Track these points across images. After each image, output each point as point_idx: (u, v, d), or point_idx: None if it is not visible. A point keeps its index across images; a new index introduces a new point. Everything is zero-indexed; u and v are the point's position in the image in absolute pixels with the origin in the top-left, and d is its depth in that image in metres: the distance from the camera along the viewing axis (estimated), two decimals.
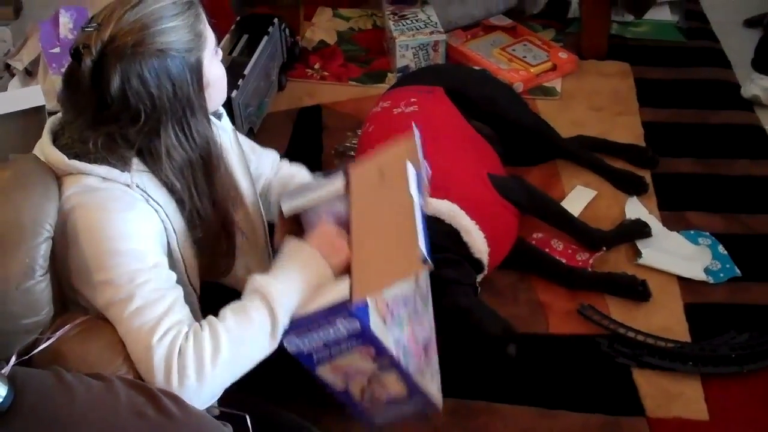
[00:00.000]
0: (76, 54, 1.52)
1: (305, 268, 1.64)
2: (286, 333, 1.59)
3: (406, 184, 1.68)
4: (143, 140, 1.57)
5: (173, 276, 1.64)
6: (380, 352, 1.60)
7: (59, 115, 1.66)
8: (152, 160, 1.60)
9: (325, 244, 1.69)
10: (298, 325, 1.59)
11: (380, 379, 1.67)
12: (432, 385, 1.80)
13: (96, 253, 1.55)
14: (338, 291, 1.58)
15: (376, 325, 1.58)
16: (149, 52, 1.52)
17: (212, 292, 1.82)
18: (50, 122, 1.66)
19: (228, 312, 1.58)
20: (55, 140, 1.61)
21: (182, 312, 1.57)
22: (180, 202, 1.65)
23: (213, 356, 1.51)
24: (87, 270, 1.56)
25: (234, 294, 1.67)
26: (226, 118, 1.94)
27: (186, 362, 1.49)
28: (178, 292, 1.60)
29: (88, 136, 1.55)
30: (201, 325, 1.55)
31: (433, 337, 1.90)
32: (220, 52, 1.73)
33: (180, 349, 1.50)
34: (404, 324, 1.72)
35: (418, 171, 1.74)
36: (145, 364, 1.50)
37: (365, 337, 1.57)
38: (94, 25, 1.52)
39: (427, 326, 1.88)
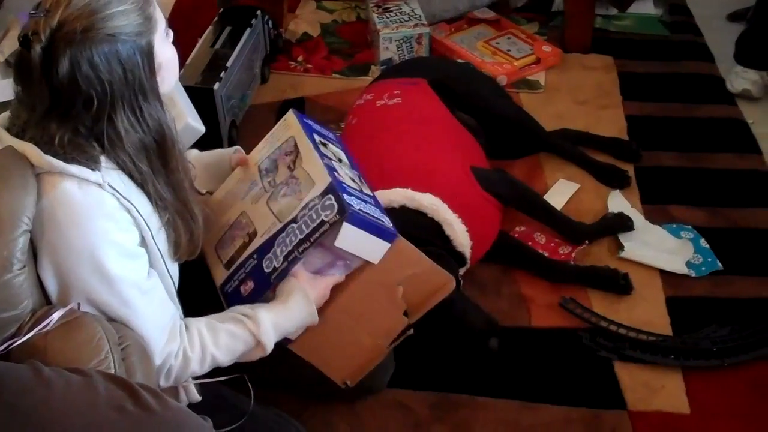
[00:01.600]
0: (25, 41, 1.50)
1: (299, 314, 1.82)
2: None
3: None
4: (98, 127, 1.56)
5: (158, 283, 1.71)
6: None
7: (7, 113, 1.64)
8: (110, 146, 1.59)
9: (319, 289, 1.84)
10: None
11: None
12: None
13: (87, 277, 1.58)
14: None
15: None
16: (99, 38, 1.50)
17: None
18: (1, 120, 1.63)
19: (223, 336, 1.76)
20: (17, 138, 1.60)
21: (172, 328, 1.72)
22: (143, 188, 1.65)
23: (195, 370, 1.76)
24: (76, 289, 1.60)
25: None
26: None
27: (171, 378, 1.74)
28: (166, 303, 1.74)
29: (53, 134, 1.54)
30: (192, 345, 1.73)
31: None
32: (171, 33, 1.71)
33: (168, 370, 1.72)
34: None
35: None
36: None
37: None
38: (42, 11, 1.50)
39: None
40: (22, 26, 1.54)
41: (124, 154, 1.60)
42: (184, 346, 1.72)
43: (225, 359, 1.77)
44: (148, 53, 1.59)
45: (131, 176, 1.63)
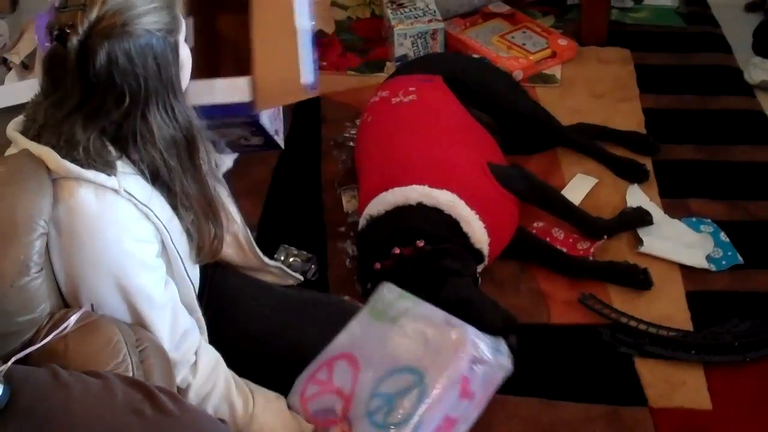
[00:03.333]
0: (61, 35, 1.49)
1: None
2: None
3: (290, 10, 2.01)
4: (129, 123, 1.57)
5: (172, 296, 1.71)
6: (259, 131, 2.09)
7: (21, 117, 1.65)
8: (142, 143, 1.59)
9: None
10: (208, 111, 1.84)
11: (248, 139, 2.13)
12: (280, 134, 2.27)
13: (98, 287, 1.60)
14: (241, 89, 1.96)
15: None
16: (137, 33, 1.51)
17: None
18: (15, 124, 1.64)
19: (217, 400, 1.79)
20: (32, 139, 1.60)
21: (188, 347, 1.75)
22: (167, 188, 1.65)
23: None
24: (85, 296, 1.61)
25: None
26: None
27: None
28: (178, 317, 1.73)
29: (77, 137, 1.54)
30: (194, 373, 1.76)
31: None
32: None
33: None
34: None
35: None
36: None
37: (254, 124, 2.06)
38: (79, 4, 1.50)
39: None
40: (36, 27, 1.54)
41: (155, 150, 1.60)
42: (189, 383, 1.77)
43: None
44: (176, 51, 1.61)
45: (157, 175, 1.63)
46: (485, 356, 1.79)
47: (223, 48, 2.15)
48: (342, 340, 1.94)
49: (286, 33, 1.95)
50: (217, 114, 1.92)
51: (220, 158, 2.14)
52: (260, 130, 2.00)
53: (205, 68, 2.00)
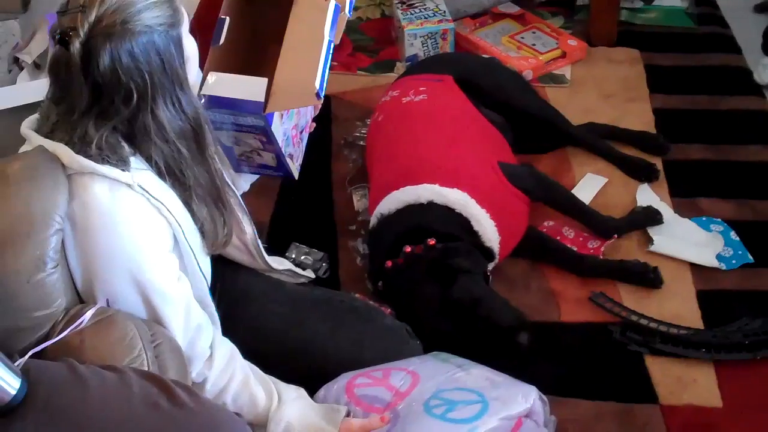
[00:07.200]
0: (63, 38, 1.51)
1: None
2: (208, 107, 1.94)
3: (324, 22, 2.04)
4: (139, 120, 1.58)
5: (185, 291, 1.72)
6: (270, 141, 2.04)
7: (35, 116, 1.66)
8: (156, 136, 1.60)
9: None
10: (220, 103, 1.95)
11: (260, 153, 2.11)
12: (296, 163, 2.24)
13: (113, 281, 1.61)
14: (256, 88, 1.95)
15: (275, 123, 2.01)
16: (138, 30, 1.52)
17: None
18: (29, 122, 1.66)
19: (245, 396, 1.81)
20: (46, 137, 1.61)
21: (203, 341, 1.77)
22: (179, 183, 1.67)
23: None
24: (101, 291, 1.63)
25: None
26: None
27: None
28: (190, 312, 1.74)
29: (90, 136, 1.55)
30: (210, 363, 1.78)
31: (309, 121, 2.29)
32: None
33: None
34: (293, 116, 2.15)
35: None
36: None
37: (264, 131, 2.00)
38: (77, 7, 1.51)
39: (308, 115, 2.28)
40: (48, 27, 1.55)
41: (167, 143, 1.61)
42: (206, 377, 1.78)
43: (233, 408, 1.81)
44: (179, 44, 1.62)
45: (170, 168, 1.64)
46: (540, 417, 1.88)
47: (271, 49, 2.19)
48: (401, 362, 1.98)
49: (314, 42, 1.99)
50: (232, 108, 1.94)
51: (237, 179, 2.16)
52: (270, 141, 2.02)
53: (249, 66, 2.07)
